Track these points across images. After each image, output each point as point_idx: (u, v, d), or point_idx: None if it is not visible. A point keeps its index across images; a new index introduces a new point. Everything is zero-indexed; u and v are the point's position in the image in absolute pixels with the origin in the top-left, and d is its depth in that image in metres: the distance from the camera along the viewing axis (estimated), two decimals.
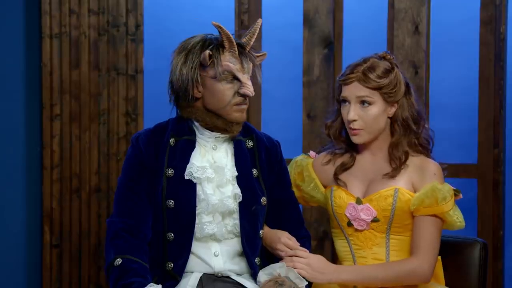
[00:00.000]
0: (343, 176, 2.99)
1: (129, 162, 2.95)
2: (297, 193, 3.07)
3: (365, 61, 2.92)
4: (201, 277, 2.87)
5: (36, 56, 4.16)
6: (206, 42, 2.88)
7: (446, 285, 3.00)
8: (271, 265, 2.88)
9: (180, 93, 2.89)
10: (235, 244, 2.91)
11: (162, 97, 3.06)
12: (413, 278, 2.86)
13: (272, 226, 2.97)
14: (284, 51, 4.51)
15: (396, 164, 2.92)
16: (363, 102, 2.89)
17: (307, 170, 3.07)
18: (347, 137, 2.98)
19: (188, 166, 2.89)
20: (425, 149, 2.96)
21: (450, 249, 3.07)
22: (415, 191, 2.91)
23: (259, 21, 2.95)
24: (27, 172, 4.14)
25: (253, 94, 2.88)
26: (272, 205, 2.96)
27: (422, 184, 2.90)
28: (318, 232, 4.12)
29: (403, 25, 4.00)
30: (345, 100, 2.92)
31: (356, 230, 2.93)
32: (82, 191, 4.15)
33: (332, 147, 3.07)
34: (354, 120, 2.89)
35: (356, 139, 2.92)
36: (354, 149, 3.01)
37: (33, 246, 4.17)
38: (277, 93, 4.50)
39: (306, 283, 2.84)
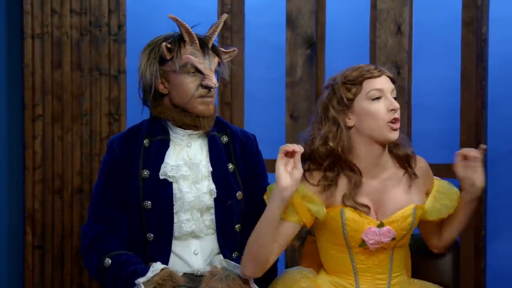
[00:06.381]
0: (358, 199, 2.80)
1: (104, 167, 2.97)
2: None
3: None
4: None
5: (18, 57, 4.14)
6: (168, 38, 2.93)
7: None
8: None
9: (146, 90, 2.92)
10: (214, 240, 2.93)
11: None
12: None
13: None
14: (267, 52, 4.52)
15: (409, 165, 2.86)
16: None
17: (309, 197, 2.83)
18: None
19: (163, 165, 2.91)
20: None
21: (423, 245, 3.07)
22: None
23: (224, 15, 3.03)
24: (9, 173, 4.11)
25: (216, 85, 2.89)
26: (243, 196, 2.98)
27: (427, 186, 2.91)
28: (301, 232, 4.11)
29: (385, 26, 4.01)
30: (375, 97, 2.76)
31: (367, 249, 2.81)
32: (64, 191, 4.14)
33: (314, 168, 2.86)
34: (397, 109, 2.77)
35: (396, 134, 2.77)
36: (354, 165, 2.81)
37: (15, 247, 4.15)
38: (260, 93, 4.50)
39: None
